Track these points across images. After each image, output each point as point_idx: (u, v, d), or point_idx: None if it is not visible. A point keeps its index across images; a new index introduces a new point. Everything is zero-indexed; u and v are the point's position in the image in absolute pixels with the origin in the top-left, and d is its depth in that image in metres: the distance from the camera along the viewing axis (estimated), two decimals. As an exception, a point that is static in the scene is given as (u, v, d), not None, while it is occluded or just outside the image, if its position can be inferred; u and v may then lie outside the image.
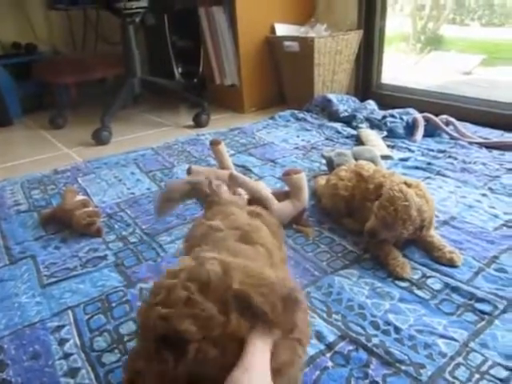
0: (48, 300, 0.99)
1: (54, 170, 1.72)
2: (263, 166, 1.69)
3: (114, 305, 0.96)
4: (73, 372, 0.80)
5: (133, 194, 1.50)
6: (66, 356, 0.83)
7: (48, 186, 1.58)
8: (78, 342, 0.86)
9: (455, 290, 0.97)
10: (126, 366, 0.46)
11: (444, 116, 1.92)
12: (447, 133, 1.86)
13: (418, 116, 1.90)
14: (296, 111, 2.32)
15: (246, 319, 0.45)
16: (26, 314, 0.95)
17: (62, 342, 0.87)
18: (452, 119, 1.89)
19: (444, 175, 1.52)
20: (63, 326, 0.91)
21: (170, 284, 0.44)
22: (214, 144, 1.20)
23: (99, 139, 2.04)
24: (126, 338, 0.87)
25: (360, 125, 2.03)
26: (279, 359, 0.48)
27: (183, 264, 0.49)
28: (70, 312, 0.94)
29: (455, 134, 1.85)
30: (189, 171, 1.11)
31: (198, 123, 2.26)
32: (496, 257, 1.07)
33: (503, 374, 0.76)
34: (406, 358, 0.80)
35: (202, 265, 0.46)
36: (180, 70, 2.84)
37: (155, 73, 2.87)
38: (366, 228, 1.07)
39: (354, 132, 1.99)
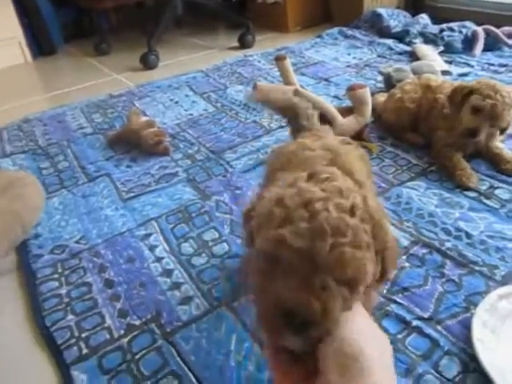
0: (131, 212, 1.06)
1: (110, 94, 1.75)
2: (317, 84, 1.67)
3: (193, 215, 1.02)
4: (168, 272, 0.87)
5: (191, 115, 1.52)
6: (159, 259, 0.91)
7: (107, 110, 1.62)
8: (166, 248, 0.94)
9: (524, 199, 0.98)
10: (282, 301, 0.40)
11: (506, 28, 1.82)
12: (509, 46, 1.77)
13: (478, 28, 1.80)
14: (344, 28, 2.24)
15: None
16: (114, 224, 1.02)
17: (152, 247, 0.94)
18: (515, 31, 1.79)
19: (507, 89, 1.47)
20: (150, 235, 0.98)
21: (353, 224, 0.40)
22: (279, 59, 1.19)
23: (147, 63, 2.03)
24: (210, 244, 0.93)
25: (414, 40, 1.95)
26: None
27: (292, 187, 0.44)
28: (154, 222, 1.01)
29: (518, 47, 1.75)
30: (254, 88, 1.11)
31: (244, 44, 2.22)
32: None
33: None
34: (480, 259, 0.84)
35: (367, 204, 0.43)
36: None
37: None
38: (464, 129, 1.05)
39: (407, 48, 1.91)
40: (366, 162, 0.68)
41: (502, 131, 1.05)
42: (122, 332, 0.76)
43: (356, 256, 0.39)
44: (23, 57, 2.28)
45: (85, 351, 0.73)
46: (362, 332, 0.42)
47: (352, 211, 0.41)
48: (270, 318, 0.41)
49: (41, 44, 2.36)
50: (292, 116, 0.82)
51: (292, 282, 0.40)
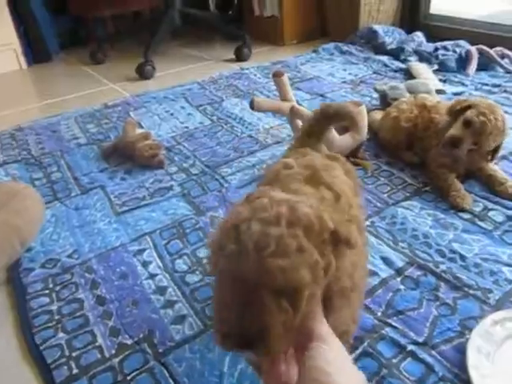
0: (124, 226, 1.05)
1: (105, 104, 1.75)
2: (312, 100, 1.67)
3: (188, 231, 1.01)
4: (161, 290, 0.86)
5: (187, 127, 1.52)
6: (152, 276, 0.90)
7: (101, 120, 1.61)
8: (160, 264, 0.93)
9: (518, 222, 0.99)
10: (227, 324, 0.41)
11: (499, 48, 1.84)
12: (502, 66, 1.80)
13: (472, 48, 1.83)
14: (340, 44, 2.25)
15: (335, 255, 0.45)
16: (107, 239, 1.01)
17: (145, 263, 0.93)
18: (508, 51, 1.82)
19: (500, 110, 1.48)
20: (144, 250, 0.97)
21: (276, 233, 0.40)
22: (277, 75, 1.19)
23: (143, 74, 2.03)
24: (204, 261, 0.93)
25: (409, 58, 1.97)
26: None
27: (256, 201, 0.45)
28: (147, 237, 1.00)
29: (511, 68, 1.78)
30: (252, 103, 1.11)
31: (240, 57, 2.22)
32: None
33: None
34: (474, 283, 0.84)
35: (294, 209, 0.43)
36: (214, 1, 2.74)
37: (187, 5, 2.78)
38: (449, 135, 1.05)
39: (402, 65, 1.93)
40: (352, 176, 0.70)
41: (493, 154, 1.06)
42: (114, 352, 0.75)
43: (280, 264, 0.40)
44: (18, 64, 2.27)
45: (75, 371, 0.72)
46: (337, 364, 0.42)
47: (276, 221, 0.42)
48: (219, 339, 0.42)
49: (36, 51, 2.34)
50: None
51: (231, 305, 0.41)
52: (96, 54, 2.31)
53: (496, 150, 1.06)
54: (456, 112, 1.08)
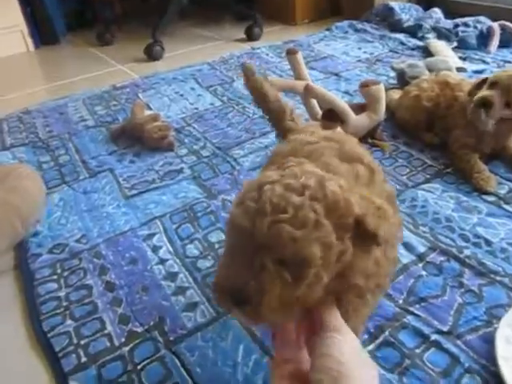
0: (134, 210, 1.01)
1: (113, 85, 1.70)
2: (326, 79, 1.62)
3: (199, 215, 0.98)
4: (172, 276, 0.83)
5: (196, 109, 1.47)
6: (162, 261, 0.87)
7: (110, 102, 1.58)
8: (171, 249, 0.90)
9: (545, 204, 0.94)
10: (225, 278, 0.42)
11: (522, 23, 1.75)
12: (526, 42, 1.71)
13: (494, 24, 1.74)
14: (354, 22, 2.17)
15: (357, 243, 0.42)
16: (116, 223, 0.98)
17: (155, 248, 0.90)
18: (532, 27, 1.73)
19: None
20: (154, 235, 0.94)
21: (297, 201, 0.39)
22: (291, 53, 1.14)
23: (152, 54, 1.98)
24: (216, 246, 0.89)
25: (426, 35, 1.89)
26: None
27: (283, 173, 0.43)
28: (157, 221, 0.97)
29: (535, 44, 1.70)
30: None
31: (251, 36, 2.16)
32: None
33: None
34: (501, 269, 0.80)
35: (322, 184, 0.41)
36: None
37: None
38: (479, 96, 0.98)
39: (420, 43, 1.86)
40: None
41: None
42: (123, 340, 0.72)
43: (295, 235, 0.38)
44: (25, 46, 2.23)
45: (83, 359, 0.69)
46: (350, 355, 0.40)
47: (300, 190, 0.40)
48: (215, 291, 0.43)
49: (43, 33, 2.30)
50: (277, 117, 0.77)
51: (234, 261, 0.41)
52: (103, 36, 2.26)
53: None
54: (477, 86, 1.02)
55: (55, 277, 0.85)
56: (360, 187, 0.49)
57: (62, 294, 0.81)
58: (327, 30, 2.16)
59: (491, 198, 0.97)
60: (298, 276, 0.40)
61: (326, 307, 0.44)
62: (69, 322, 0.75)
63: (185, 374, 0.66)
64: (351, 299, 0.48)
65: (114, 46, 2.26)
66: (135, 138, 1.28)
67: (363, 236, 0.42)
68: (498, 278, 0.78)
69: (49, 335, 0.73)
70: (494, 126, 0.99)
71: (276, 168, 0.46)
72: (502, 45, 1.74)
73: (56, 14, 2.36)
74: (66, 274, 0.86)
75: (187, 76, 1.74)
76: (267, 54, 1.92)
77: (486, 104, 0.97)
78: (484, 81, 1.02)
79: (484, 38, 1.75)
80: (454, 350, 0.66)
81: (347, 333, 0.43)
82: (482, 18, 1.85)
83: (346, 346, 0.41)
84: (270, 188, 0.41)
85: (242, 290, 0.40)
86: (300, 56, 1.16)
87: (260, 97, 0.81)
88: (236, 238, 0.42)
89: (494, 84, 0.98)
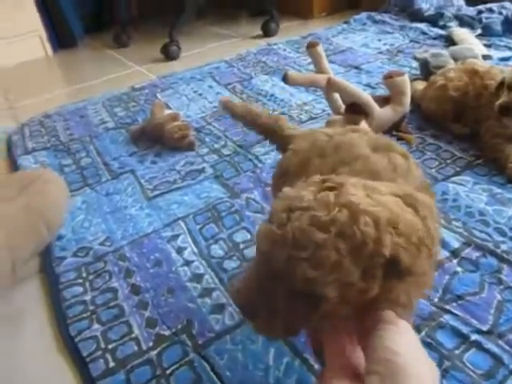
0: (157, 212, 1.00)
1: (131, 87, 1.70)
2: (347, 72, 1.58)
3: (223, 214, 0.96)
4: (198, 277, 0.82)
5: (216, 107, 1.45)
6: (188, 263, 0.85)
7: (129, 104, 1.57)
8: (195, 250, 0.88)
9: None
10: (238, 293, 0.43)
11: (550, 7, 1.69)
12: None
13: (520, 9, 1.68)
14: (372, 13, 2.13)
15: (389, 280, 0.39)
16: (139, 225, 0.97)
17: (179, 249, 0.89)
18: (560, 10, 1.66)
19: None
20: (178, 236, 0.92)
21: (320, 240, 0.36)
22: (311, 46, 1.11)
23: (169, 54, 1.98)
24: (241, 246, 0.87)
25: (448, 24, 1.84)
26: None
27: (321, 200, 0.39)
28: (181, 222, 0.96)
29: None
30: (285, 77, 1.04)
31: (267, 32, 2.14)
32: None
33: None
34: (542, 264, 0.76)
35: (354, 220, 0.37)
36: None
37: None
38: (497, 105, 0.97)
39: (442, 32, 1.81)
40: None
41: None
42: (151, 344, 0.70)
43: (307, 273, 0.37)
44: (44, 50, 2.25)
45: (112, 364, 0.68)
46: (407, 345, 0.37)
47: (327, 226, 0.37)
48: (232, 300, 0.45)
49: (61, 37, 2.32)
50: (272, 129, 0.77)
51: (250, 277, 0.42)
52: (120, 37, 2.26)
53: None
54: (498, 89, 0.99)
55: (80, 280, 0.84)
56: (399, 180, 0.48)
57: (87, 297, 0.80)
58: (345, 22, 2.12)
59: (527, 190, 0.93)
60: (310, 310, 0.40)
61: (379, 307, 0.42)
62: (96, 326, 0.74)
63: (215, 378, 0.64)
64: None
65: (131, 48, 2.26)
66: (155, 139, 1.27)
67: (397, 272, 0.39)
68: (538, 274, 0.74)
69: (76, 340, 0.72)
70: None
71: (317, 183, 0.42)
72: (529, 30, 1.68)
73: (73, 16, 2.37)
74: (91, 277, 0.85)
75: (205, 74, 1.73)
76: (284, 50, 1.90)
77: (503, 110, 0.95)
78: (502, 84, 0.99)
79: (509, 24, 1.70)
80: (496, 350, 0.63)
81: (401, 322, 0.40)
82: (507, 4, 1.80)
83: (403, 338, 0.38)
84: (297, 218, 0.38)
85: (250, 309, 0.42)
86: (321, 48, 1.13)
87: (249, 116, 0.83)
88: (257, 255, 0.42)
89: (510, 86, 0.96)
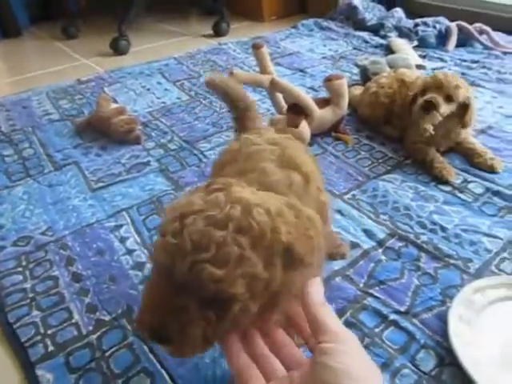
0: (100, 203, 1.01)
1: (78, 79, 1.68)
2: (293, 75, 1.65)
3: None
4: (139, 265, 0.84)
5: (164, 103, 1.47)
6: (130, 252, 0.87)
7: (75, 96, 1.56)
8: (138, 240, 0.90)
9: (496, 193, 0.99)
10: (145, 317, 0.40)
11: (478, 24, 1.83)
12: (481, 42, 1.79)
13: (452, 24, 1.82)
14: (319, 20, 2.22)
15: (286, 269, 0.41)
16: (82, 215, 0.98)
17: (122, 239, 0.91)
18: (486, 28, 1.81)
19: (479, 85, 1.49)
20: (121, 226, 0.94)
21: (219, 238, 0.37)
22: (256, 47, 1.16)
23: (118, 48, 1.96)
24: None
25: (389, 34, 1.95)
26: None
27: (212, 198, 0.40)
28: (124, 213, 0.97)
29: (489, 44, 1.78)
30: (230, 76, 1.08)
31: (218, 32, 2.17)
32: (537, 162, 1.08)
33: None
34: (454, 253, 0.84)
35: (249, 214, 0.39)
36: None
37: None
38: (422, 100, 1.04)
39: (382, 41, 1.92)
40: (310, 155, 0.68)
41: (464, 115, 1.05)
42: (91, 328, 0.72)
43: (215, 274, 0.36)
44: (-15, 38, 2.17)
45: (51, 348, 0.69)
46: (356, 366, 0.36)
47: (223, 223, 0.38)
48: (137, 324, 0.41)
49: (5, 25, 2.24)
50: (242, 115, 0.79)
51: (154, 298, 0.39)
52: (68, 29, 2.22)
53: (465, 109, 1.04)
54: (414, 98, 1.09)
55: (20, 269, 0.84)
56: (291, 196, 0.49)
57: (27, 285, 0.81)
58: (293, 27, 2.20)
59: (447, 188, 1.02)
60: (222, 312, 0.39)
61: (322, 310, 0.40)
62: (35, 312, 0.75)
63: (153, 358, 0.67)
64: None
65: (79, 40, 2.22)
66: (101, 131, 1.27)
67: (292, 260, 0.41)
68: (451, 262, 0.82)
69: (14, 326, 0.73)
70: (442, 126, 1.05)
71: (203, 188, 0.43)
72: (459, 44, 1.82)
73: (18, 5, 2.30)
74: (31, 266, 0.85)
75: (154, 70, 1.74)
76: (234, 50, 1.94)
77: (430, 106, 1.03)
78: (415, 95, 1.08)
79: (442, 38, 1.83)
80: (410, 328, 0.70)
81: (351, 339, 0.38)
82: (440, 19, 1.92)
83: (350, 358, 0.37)
84: (191, 222, 0.38)
85: (161, 331, 0.39)
86: (265, 50, 1.18)
87: (229, 93, 0.81)
88: (157, 273, 0.40)
89: (426, 89, 1.05)
